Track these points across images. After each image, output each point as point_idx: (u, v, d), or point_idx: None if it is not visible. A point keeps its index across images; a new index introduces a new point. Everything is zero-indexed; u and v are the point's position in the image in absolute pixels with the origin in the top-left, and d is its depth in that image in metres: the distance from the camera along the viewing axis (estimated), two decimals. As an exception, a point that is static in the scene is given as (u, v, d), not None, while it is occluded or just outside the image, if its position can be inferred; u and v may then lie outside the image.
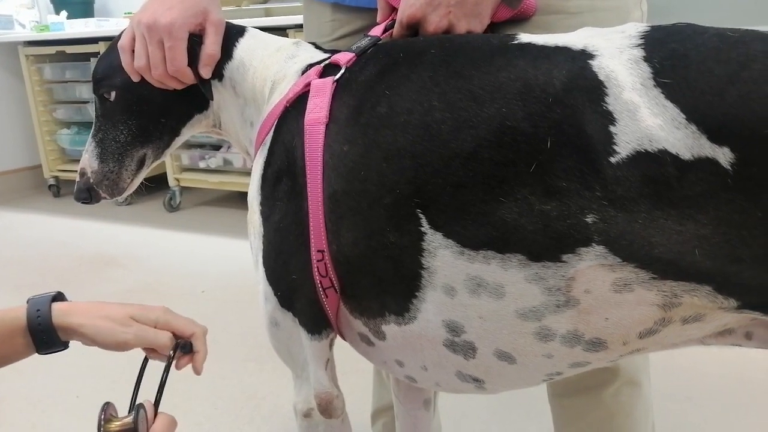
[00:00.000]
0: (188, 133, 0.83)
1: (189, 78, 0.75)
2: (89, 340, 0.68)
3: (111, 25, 2.99)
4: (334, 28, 0.81)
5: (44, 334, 0.67)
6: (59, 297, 0.71)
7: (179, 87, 0.76)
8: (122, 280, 2.14)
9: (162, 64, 0.73)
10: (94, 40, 2.87)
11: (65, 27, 2.99)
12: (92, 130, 0.81)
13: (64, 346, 0.70)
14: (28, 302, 0.68)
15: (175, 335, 0.72)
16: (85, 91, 3.10)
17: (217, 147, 2.80)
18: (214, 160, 2.79)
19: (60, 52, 3.03)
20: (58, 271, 2.26)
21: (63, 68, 3.12)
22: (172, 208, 2.93)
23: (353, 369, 1.13)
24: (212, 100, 0.78)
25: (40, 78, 3.18)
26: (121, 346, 0.68)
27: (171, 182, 2.88)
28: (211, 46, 0.75)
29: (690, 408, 1.31)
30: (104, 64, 0.80)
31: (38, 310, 0.67)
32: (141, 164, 0.82)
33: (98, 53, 2.90)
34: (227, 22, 0.78)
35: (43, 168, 3.30)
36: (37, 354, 0.69)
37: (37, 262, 2.36)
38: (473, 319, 0.56)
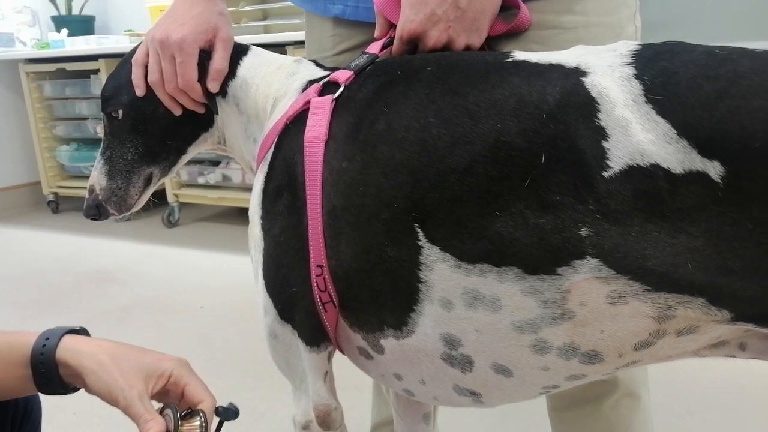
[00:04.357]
0: (194, 151, 0.84)
1: (198, 93, 0.76)
2: (88, 388, 0.61)
3: (111, 43, 3.02)
4: (335, 42, 0.82)
5: (44, 366, 0.60)
6: (80, 332, 0.65)
7: (189, 105, 0.78)
8: (121, 296, 2.14)
9: (175, 79, 0.75)
10: (94, 58, 2.90)
11: (66, 44, 3.02)
12: (101, 148, 0.83)
13: (65, 388, 0.62)
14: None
15: (183, 397, 0.63)
16: (85, 108, 3.12)
17: (216, 163, 2.81)
18: (213, 176, 2.80)
19: (60, 70, 3.05)
20: (57, 287, 2.26)
21: (63, 85, 3.15)
22: (170, 223, 2.93)
23: (352, 384, 1.13)
24: (217, 114, 0.80)
25: (40, 95, 3.20)
26: (110, 402, 0.60)
27: (170, 198, 2.89)
28: (219, 61, 0.76)
29: (690, 421, 1.30)
30: (113, 83, 0.82)
31: (47, 339, 0.61)
32: (148, 181, 0.83)
33: (98, 70, 2.92)
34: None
35: (42, 184, 3.31)
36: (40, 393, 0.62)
37: (35, 279, 2.35)
38: (470, 333, 0.57)
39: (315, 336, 0.66)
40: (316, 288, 0.63)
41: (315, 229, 0.61)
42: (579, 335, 0.53)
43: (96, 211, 0.82)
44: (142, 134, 0.80)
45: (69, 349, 0.61)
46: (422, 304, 0.58)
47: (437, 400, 0.66)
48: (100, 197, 0.81)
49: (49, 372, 0.61)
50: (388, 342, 0.62)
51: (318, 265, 0.62)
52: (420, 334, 0.59)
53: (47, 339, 0.61)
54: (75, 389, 0.63)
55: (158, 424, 0.58)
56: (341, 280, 0.62)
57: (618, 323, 0.51)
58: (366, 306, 0.62)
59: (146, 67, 0.78)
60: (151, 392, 0.61)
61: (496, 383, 0.59)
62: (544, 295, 0.52)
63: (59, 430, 1.37)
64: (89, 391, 0.61)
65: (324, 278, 0.62)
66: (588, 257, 0.49)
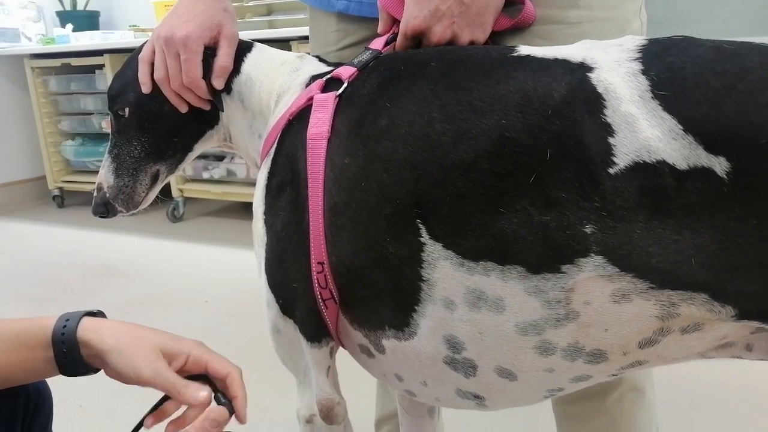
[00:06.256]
0: (201, 148, 0.85)
1: (203, 90, 0.77)
2: (111, 367, 0.61)
3: (116, 38, 3.02)
4: (339, 37, 0.82)
5: (65, 347, 0.60)
6: (97, 314, 0.66)
7: (194, 101, 0.78)
8: (126, 290, 2.14)
9: (180, 76, 0.75)
10: (99, 53, 2.90)
11: (71, 40, 3.02)
12: (108, 146, 0.83)
13: (87, 368, 0.62)
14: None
15: (207, 374, 0.64)
16: (90, 103, 3.12)
17: (220, 158, 2.81)
18: (218, 171, 2.80)
19: (65, 65, 3.06)
20: (62, 281, 2.27)
21: (68, 80, 3.15)
22: (175, 218, 2.94)
23: (357, 377, 1.13)
24: (223, 111, 0.80)
25: (45, 90, 3.21)
26: (135, 378, 0.60)
27: (174, 193, 2.90)
28: (224, 58, 0.77)
29: (694, 416, 1.30)
30: (119, 81, 0.82)
31: (67, 320, 0.62)
32: (155, 179, 0.84)
33: (103, 65, 2.93)
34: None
35: (47, 179, 3.32)
36: (61, 375, 0.62)
37: (41, 273, 2.36)
38: (473, 335, 0.56)
39: (316, 332, 0.66)
40: (316, 284, 0.62)
41: (316, 226, 0.61)
42: (583, 335, 0.53)
43: (104, 209, 0.83)
44: (148, 132, 0.80)
45: (89, 329, 0.61)
46: (424, 305, 0.57)
47: (439, 401, 0.65)
48: (107, 195, 0.82)
49: (71, 352, 0.61)
50: (390, 342, 0.62)
51: (319, 262, 0.62)
52: (422, 336, 0.59)
53: (67, 320, 0.62)
54: (96, 370, 0.64)
55: (200, 387, 0.59)
56: (342, 276, 0.61)
57: (622, 322, 0.51)
58: (367, 304, 0.61)
59: (152, 64, 0.78)
60: (174, 370, 0.62)
61: (500, 387, 0.59)
62: (548, 294, 0.52)
63: (66, 422, 1.38)
64: (109, 370, 0.61)
65: (325, 275, 0.62)
66: (592, 255, 0.49)
